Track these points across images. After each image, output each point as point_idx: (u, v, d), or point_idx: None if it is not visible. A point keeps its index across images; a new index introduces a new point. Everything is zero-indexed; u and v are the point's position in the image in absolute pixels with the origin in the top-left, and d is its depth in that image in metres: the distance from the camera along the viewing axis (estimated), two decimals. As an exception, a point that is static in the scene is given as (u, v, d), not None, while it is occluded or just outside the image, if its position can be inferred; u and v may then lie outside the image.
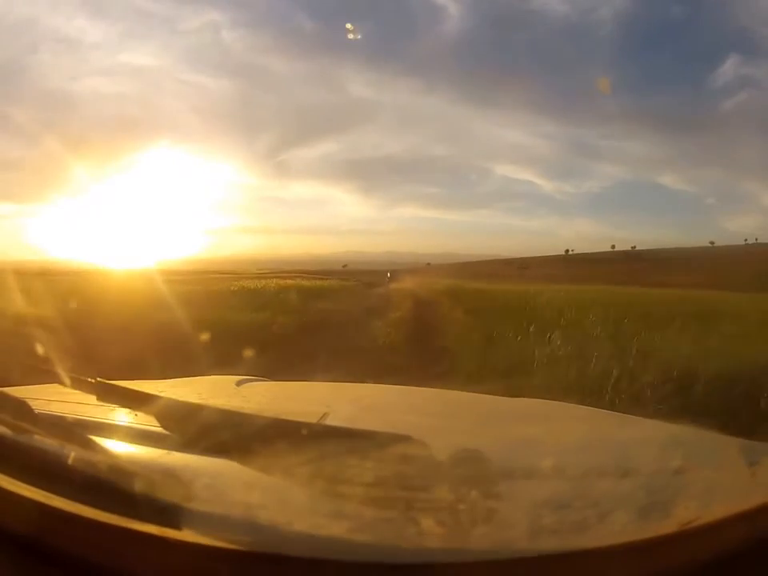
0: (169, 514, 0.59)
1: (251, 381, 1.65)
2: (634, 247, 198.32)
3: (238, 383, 1.56)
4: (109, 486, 0.63)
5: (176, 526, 0.58)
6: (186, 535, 0.58)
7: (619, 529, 0.62)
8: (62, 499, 0.62)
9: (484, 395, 1.65)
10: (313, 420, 0.96)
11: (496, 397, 1.64)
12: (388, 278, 50.35)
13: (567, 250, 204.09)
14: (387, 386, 1.83)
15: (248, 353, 4.48)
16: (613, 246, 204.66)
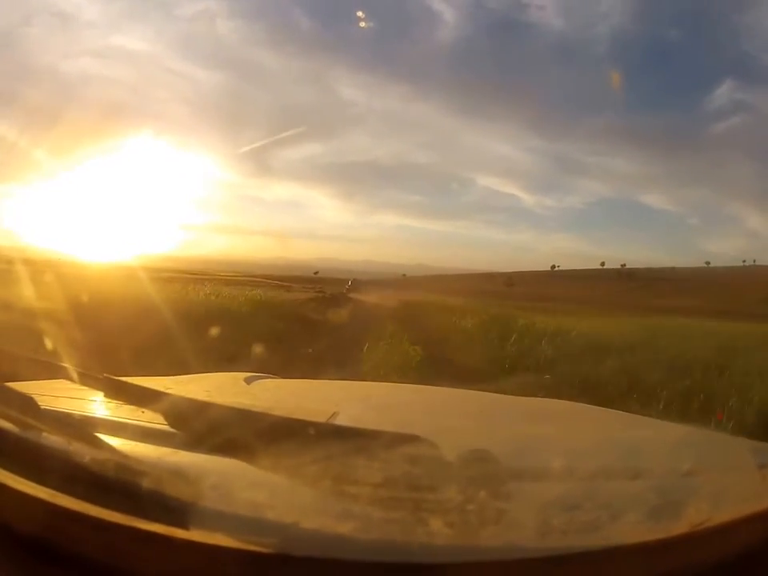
0: (175, 512, 0.59)
1: (260, 378, 1.65)
2: (624, 265, 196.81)
3: (247, 380, 1.56)
4: (115, 484, 0.63)
5: (183, 525, 0.58)
6: (193, 534, 0.57)
7: (629, 530, 0.62)
8: (67, 497, 0.62)
9: (494, 394, 1.65)
10: (322, 419, 0.96)
11: (505, 396, 1.64)
12: (348, 286, 43.15)
13: (553, 266, 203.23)
14: (397, 384, 1.84)
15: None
16: (602, 264, 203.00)
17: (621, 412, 1.56)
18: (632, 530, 0.62)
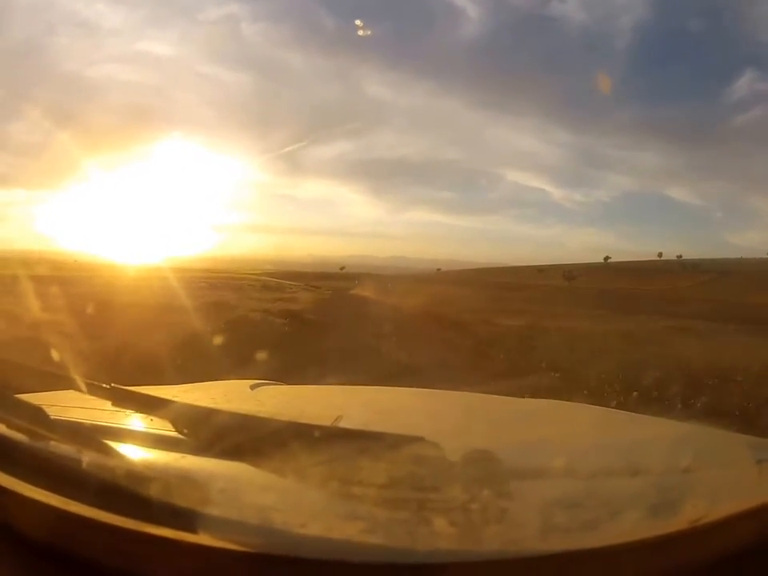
0: (184, 517, 0.60)
1: (265, 384, 1.66)
2: (680, 256, 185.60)
3: (253, 387, 1.57)
4: (125, 491, 0.64)
5: (191, 529, 0.59)
6: (202, 538, 0.58)
7: (629, 527, 0.63)
8: (78, 504, 0.63)
9: (495, 396, 1.64)
10: (326, 423, 0.97)
11: (507, 398, 1.65)
12: (356, 284, 38.96)
13: (606, 257, 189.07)
14: (400, 388, 1.85)
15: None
16: (660, 254, 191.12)
17: (620, 411, 1.54)
18: (631, 528, 0.62)
